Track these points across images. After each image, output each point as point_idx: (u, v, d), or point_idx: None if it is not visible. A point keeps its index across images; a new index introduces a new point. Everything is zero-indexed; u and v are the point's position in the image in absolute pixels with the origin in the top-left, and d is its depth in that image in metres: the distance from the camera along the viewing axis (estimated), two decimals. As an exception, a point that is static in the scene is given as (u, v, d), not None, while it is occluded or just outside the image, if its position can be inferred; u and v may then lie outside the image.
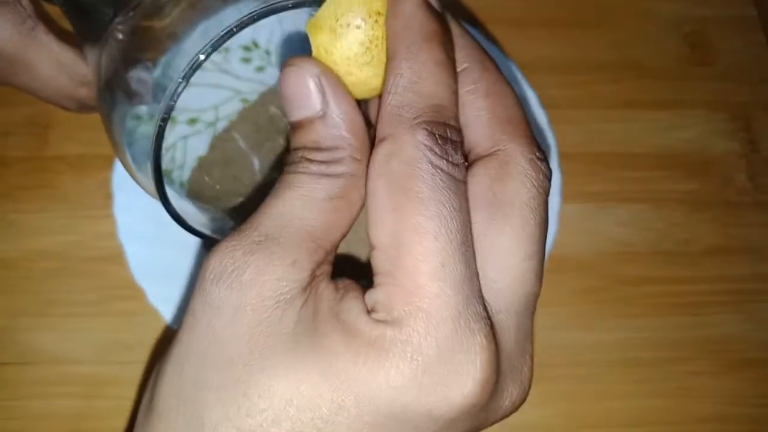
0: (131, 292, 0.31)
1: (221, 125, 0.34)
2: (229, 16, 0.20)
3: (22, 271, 0.33)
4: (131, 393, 0.31)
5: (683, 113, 0.38)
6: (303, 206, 0.14)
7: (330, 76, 0.15)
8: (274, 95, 0.34)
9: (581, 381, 0.33)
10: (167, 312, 0.30)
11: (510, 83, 0.16)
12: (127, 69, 0.21)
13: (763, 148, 0.37)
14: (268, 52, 0.34)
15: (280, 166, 0.31)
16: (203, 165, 0.33)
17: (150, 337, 0.32)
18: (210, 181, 0.32)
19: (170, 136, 0.32)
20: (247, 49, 0.33)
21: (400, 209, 0.13)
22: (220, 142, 0.33)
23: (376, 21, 0.15)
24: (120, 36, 0.22)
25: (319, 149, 0.15)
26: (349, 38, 0.15)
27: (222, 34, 0.18)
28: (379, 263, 0.14)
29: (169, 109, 0.19)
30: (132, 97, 0.21)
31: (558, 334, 0.33)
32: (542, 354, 0.32)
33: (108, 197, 0.33)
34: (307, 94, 0.15)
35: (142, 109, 0.21)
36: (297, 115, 0.15)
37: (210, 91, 0.33)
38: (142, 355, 0.31)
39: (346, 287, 0.14)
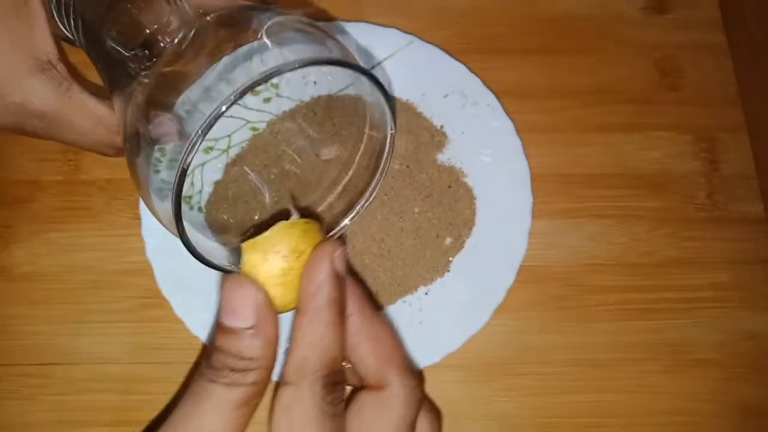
0: (157, 301, 0.34)
1: (234, 152, 0.37)
2: (241, 73, 0.23)
3: (63, 283, 0.36)
4: (160, 389, 0.34)
5: (651, 135, 0.39)
6: (217, 419, 0.19)
7: (267, 301, 0.19)
8: (280, 124, 0.37)
9: (548, 378, 0.35)
10: (189, 320, 0.34)
11: (389, 325, 0.21)
12: (150, 113, 0.23)
13: (723, 167, 0.39)
14: (274, 86, 0.37)
15: (286, 190, 0.34)
16: (219, 189, 0.35)
17: (175, 341, 0.34)
18: (225, 204, 0.36)
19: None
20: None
21: None
22: (233, 167, 0.36)
23: (297, 257, 0.20)
24: (143, 83, 0.24)
25: (241, 358, 0.19)
26: (273, 263, 0.20)
27: (238, 92, 0.21)
28: None
29: (188, 160, 0.21)
30: (154, 139, 0.24)
31: (528, 336, 0.36)
32: (513, 354, 0.36)
33: (134, 217, 0.36)
34: (245, 310, 0.19)
35: (164, 153, 0.24)
36: (231, 322, 0.19)
37: (223, 121, 0.37)
38: (169, 357, 0.35)
39: None
